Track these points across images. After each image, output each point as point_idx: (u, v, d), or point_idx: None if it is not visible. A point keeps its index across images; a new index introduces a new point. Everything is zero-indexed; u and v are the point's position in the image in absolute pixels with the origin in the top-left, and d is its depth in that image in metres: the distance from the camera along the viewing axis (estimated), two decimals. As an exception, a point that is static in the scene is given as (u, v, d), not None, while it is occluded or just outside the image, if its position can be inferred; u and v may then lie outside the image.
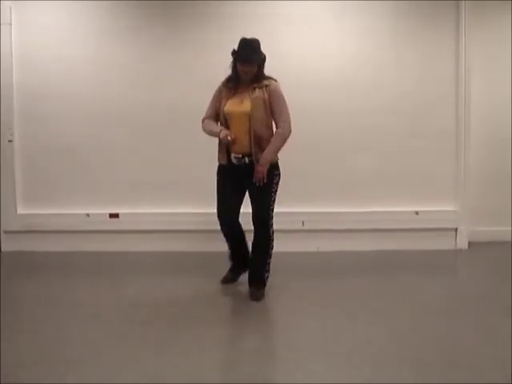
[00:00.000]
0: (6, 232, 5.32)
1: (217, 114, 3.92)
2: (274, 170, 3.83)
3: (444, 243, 5.31)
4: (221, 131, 3.79)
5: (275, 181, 3.85)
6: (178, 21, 5.16)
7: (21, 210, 5.29)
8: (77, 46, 5.18)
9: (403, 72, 5.23)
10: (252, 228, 3.92)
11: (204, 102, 4.98)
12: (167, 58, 5.20)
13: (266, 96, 3.74)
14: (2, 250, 5.32)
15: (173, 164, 5.25)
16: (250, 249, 4.03)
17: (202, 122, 3.99)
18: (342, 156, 5.26)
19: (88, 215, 5.26)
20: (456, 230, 5.33)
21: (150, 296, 4.04)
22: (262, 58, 3.76)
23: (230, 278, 4.23)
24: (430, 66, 5.23)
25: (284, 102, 3.79)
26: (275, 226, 3.95)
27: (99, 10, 5.18)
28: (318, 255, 5.17)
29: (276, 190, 3.87)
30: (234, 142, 3.75)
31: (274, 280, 4.10)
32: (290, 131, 3.80)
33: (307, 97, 5.04)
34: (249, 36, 3.80)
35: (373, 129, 5.24)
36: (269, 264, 3.97)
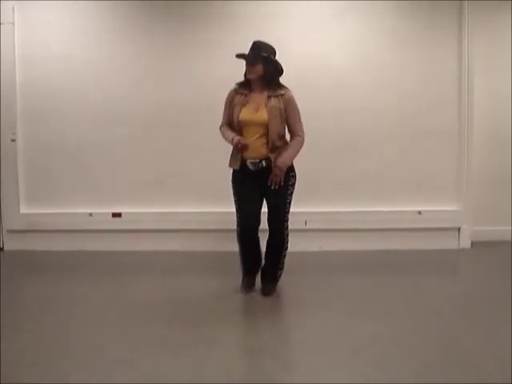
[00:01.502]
0: (8, 231, 5.33)
1: (231, 121, 3.89)
2: (289, 171, 3.84)
3: (447, 243, 5.30)
4: (233, 138, 3.77)
5: (291, 182, 3.87)
6: (179, 21, 5.15)
7: (23, 209, 5.30)
8: (79, 45, 5.19)
9: (405, 72, 5.20)
10: (266, 227, 3.90)
11: (205, 102, 5.00)
12: (168, 58, 5.19)
13: (282, 106, 3.76)
14: (4, 249, 5.34)
15: (175, 163, 5.25)
16: (264, 248, 3.98)
17: (220, 129, 3.97)
18: (344, 156, 5.25)
19: (91, 214, 5.27)
20: (459, 229, 5.32)
21: (152, 295, 4.04)
22: (266, 57, 3.72)
23: (247, 285, 4.09)
24: (432, 66, 5.20)
25: (299, 111, 3.82)
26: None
27: (102, 10, 5.18)
28: (320, 254, 5.16)
29: (292, 192, 3.88)
30: (245, 147, 3.74)
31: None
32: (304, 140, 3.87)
33: (308, 97, 4.98)
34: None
35: (375, 128, 5.22)
36: (283, 263, 4.01)
